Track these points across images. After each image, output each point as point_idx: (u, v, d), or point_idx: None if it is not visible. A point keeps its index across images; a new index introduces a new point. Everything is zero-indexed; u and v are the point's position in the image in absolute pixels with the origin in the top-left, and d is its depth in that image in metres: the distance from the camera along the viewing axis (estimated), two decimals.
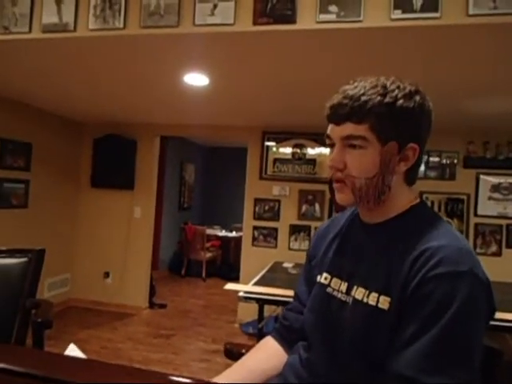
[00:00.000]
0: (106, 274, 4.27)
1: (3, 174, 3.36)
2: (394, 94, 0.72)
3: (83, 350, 0.82)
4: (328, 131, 0.78)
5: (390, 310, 0.69)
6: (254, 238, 3.97)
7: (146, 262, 4.27)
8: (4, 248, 1.49)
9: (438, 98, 2.64)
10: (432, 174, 3.64)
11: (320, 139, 3.73)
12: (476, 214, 3.56)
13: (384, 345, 0.68)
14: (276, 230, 3.92)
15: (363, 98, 0.71)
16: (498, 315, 1.74)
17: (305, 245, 3.81)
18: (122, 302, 4.20)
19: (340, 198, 0.78)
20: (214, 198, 7.55)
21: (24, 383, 0.62)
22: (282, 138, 3.95)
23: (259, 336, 2.39)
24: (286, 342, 0.94)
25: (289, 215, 3.91)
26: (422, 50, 1.84)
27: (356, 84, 0.74)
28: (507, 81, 2.23)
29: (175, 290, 5.29)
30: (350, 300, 0.76)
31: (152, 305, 4.35)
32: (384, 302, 0.70)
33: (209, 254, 6.02)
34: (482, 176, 3.55)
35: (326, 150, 3.79)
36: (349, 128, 0.73)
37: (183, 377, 0.65)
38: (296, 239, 3.87)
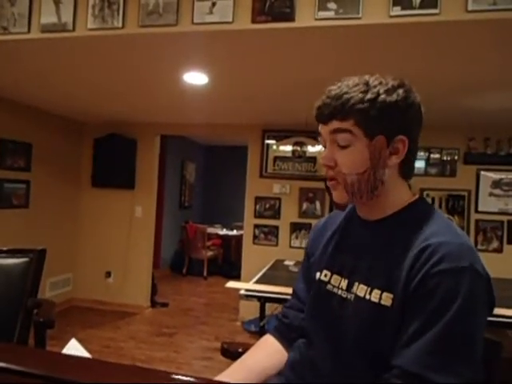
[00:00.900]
0: (108, 274, 4.28)
1: (4, 175, 3.37)
2: (375, 90, 0.74)
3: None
4: (319, 129, 0.81)
5: (392, 306, 0.69)
6: (255, 236, 3.97)
7: (147, 261, 4.28)
8: (5, 248, 1.49)
9: (438, 94, 2.64)
10: (433, 170, 3.64)
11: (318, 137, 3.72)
12: (477, 211, 3.56)
13: (388, 341, 0.68)
14: (277, 228, 3.92)
15: (346, 96, 0.74)
16: (500, 311, 1.74)
17: (306, 242, 3.80)
18: (123, 301, 4.21)
19: (335, 195, 0.80)
20: (215, 196, 7.56)
21: (26, 383, 0.62)
22: (282, 136, 3.95)
23: (261, 334, 2.39)
24: (286, 339, 0.94)
25: (289, 213, 3.91)
26: (422, 46, 1.84)
27: (339, 84, 0.77)
28: (507, 76, 2.23)
29: (177, 288, 5.30)
30: (351, 297, 0.77)
31: (154, 304, 4.36)
32: (387, 299, 0.70)
33: (210, 253, 6.03)
34: (482, 172, 3.54)
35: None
36: (335, 125, 0.75)
37: (186, 375, 0.65)
38: (297, 237, 3.87)
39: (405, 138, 0.75)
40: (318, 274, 0.87)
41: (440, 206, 3.61)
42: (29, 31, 1.96)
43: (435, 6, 1.54)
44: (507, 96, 2.64)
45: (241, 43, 1.92)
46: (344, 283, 0.79)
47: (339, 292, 0.80)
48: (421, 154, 3.64)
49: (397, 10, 1.58)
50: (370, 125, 0.74)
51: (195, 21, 1.76)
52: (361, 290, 0.75)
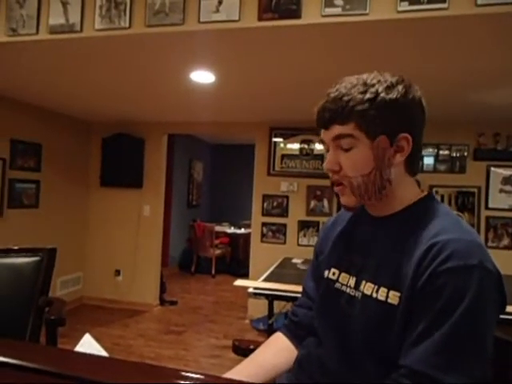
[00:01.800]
0: (117, 272, 4.32)
1: (15, 175, 3.41)
2: (374, 89, 0.72)
3: None
4: (321, 136, 0.80)
5: (399, 304, 0.69)
6: (263, 235, 3.97)
7: (155, 259, 4.31)
8: (16, 247, 1.51)
9: (447, 90, 2.61)
10: (442, 167, 3.60)
11: None
12: (487, 207, 3.51)
13: (395, 340, 0.68)
14: (285, 225, 3.92)
15: (344, 99, 0.73)
16: (511, 309, 1.71)
17: (314, 240, 3.80)
18: (133, 299, 4.24)
19: (344, 200, 0.80)
20: (223, 194, 7.57)
21: (38, 380, 0.63)
22: (289, 133, 3.94)
23: (269, 332, 2.40)
24: (296, 337, 0.94)
25: (297, 211, 3.91)
26: (430, 41, 1.82)
27: (338, 86, 0.75)
28: None
29: (185, 286, 5.32)
30: (358, 295, 0.76)
31: (163, 302, 4.39)
32: (393, 297, 0.70)
33: (218, 251, 6.05)
34: (492, 168, 3.50)
35: None
36: (336, 129, 0.75)
37: (196, 373, 0.66)
38: (305, 235, 3.86)
39: (408, 135, 0.74)
40: (326, 272, 0.86)
41: (450, 203, 3.57)
42: (37, 32, 1.98)
43: (443, 1, 1.53)
44: None
45: (247, 41, 1.91)
46: (352, 281, 0.79)
47: (347, 290, 0.79)
48: (430, 150, 3.61)
49: (404, 5, 1.56)
50: (371, 126, 0.73)
51: (202, 19, 1.76)
52: (368, 288, 0.74)
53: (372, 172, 0.74)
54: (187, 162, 6.51)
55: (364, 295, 0.75)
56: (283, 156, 3.96)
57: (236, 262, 6.21)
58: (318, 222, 3.83)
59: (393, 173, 0.76)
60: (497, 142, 3.48)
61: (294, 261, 3.31)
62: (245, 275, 4.27)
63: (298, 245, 3.87)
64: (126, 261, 4.30)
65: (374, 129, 0.73)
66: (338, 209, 3.80)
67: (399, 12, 1.58)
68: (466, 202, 3.56)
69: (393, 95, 0.72)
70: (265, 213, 3.97)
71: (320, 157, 3.87)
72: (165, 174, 4.40)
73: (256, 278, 2.64)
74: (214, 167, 7.63)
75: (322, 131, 0.78)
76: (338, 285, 0.82)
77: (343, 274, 0.82)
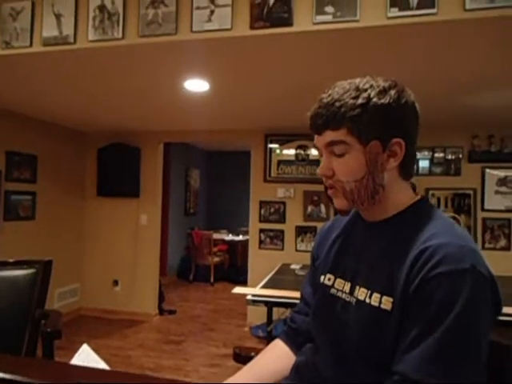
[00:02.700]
0: (115, 282, 4.29)
1: (10, 187, 3.40)
2: (366, 94, 0.72)
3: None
4: (314, 141, 0.80)
5: (392, 310, 0.68)
6: (261, 241, 3.97)
7: (154, 268, 4.29)
8: (12, 260, 1.51)
9: (439, 93, 2.64)
10: (437, 170, 3.62)
11: None
12: (483, 209, 3.53)
13: (389, 346, 0.67)
14: (282, 231, 3.92)
15: (336, 104, 0.73)
16: (509, 310, 1.72)
17: (311, 246, 3.78)
18: (131, 309, 4.22)
19: (336, 203, 0.80)
20: (220, 202, 7.57)
21: None
22: (284, 139, 3.96)
23: (269, 339, 2.39)
24: (294, 344, 0.93)
25: (294, 217, 3.91)
26: (420, 46, 1.84)
27: (330, 92, 0.75)
28: (508, 73, 2.22)
29: (184, 295, 5.30)
30: (353, 300, 0.76)
31: (161, 311, 4.36)
32: (386, 303, 0.69)
33: (216, 259, 6.03)
34: (487, 170, 3.52)
35: None
36: (329, 135, 0.75)
37: None
38: (302, 240, 3.86)
39: (401, 139, 0.74)
40: (322, 278, 0.86)
41: (446, 206, 3.58)
42: (31, 45, 1.99)
43: (433, 6, 1.55)
44: (509, 93, 2.63)
45: (240, 49, 1.93)
46: (347, 287, 0.79)
47: (343, 296, 0.79)
48: (425, 153, 3.63)
49: (394, 12, 1.58)
50: (363, 131, 0.73)
51: (194, 29, 1.78)
52: (361, 293, 0.74)
53: (365, 177, 0.74)
54: (184, 170, 6.51)
55: (358, 301, 0.74)
56: (279, 162, 3.97)
57: (234, 269, 6.19)
58: (315, 227, 3.83)
59: (386, 178, 0.76)
60: (491, 143, 3.51)
61: (293, 267, 3.31)
62: (243, 282, 4.26)
63: (296, 250, 3.86)
64: (123, 271, 4.28)
65: (366, 134, 0.73)
66: (335, 213, 3.80)
67: (389, 18, 1.60)
68: (463, 203, 3.57)
69: (385, 100, 0.72)
70: (262, 219, 3.97)
71: (316, 162, 3.88)
72: (161, 182, 4.40)
73: (255, 285, 2.63)
74: (210, 174, 7.64)
75: (316, 137, 0.79)
76: (333, 290, 0.82)
77: (338, 280, 0.82)
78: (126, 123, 3.91)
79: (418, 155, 3.59)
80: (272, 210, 3.95)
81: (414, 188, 0.82)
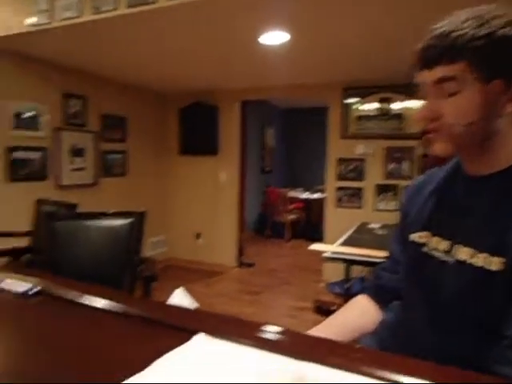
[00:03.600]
0: (198, 235, 4.60)
1: (106, 147, 3.74)
2: (492, 24, 0.61)
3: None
4: (418, 79, 0.70)
5: (504, 271, 0.62)
6: (338, 199, 3.90)
7: (233, 223, 4.49)
8: (112, 211, 1.67)
9: None
10: None
11: (408, 91, 3.43)
12: None
13: (494, 308, 0.62)
14: (361, 190, 3.80)
15: (454, 35, 0.62)
16: None
17: (392, 205, 3.64)
18: (213, 260, 4.51)
19: (437, 148, 0.70)
20: (296, 160, 7.52)
21: (138, 325, 0.70)
22: (365, 93, 3.72)
23: (346, 296, 2.39)
24: (381, 300, 0.92)
25: (374, 174, 3.74)
26: None
27: (446, 21, 0.65)
28: None
29: (261, 250, 5.50)
30: (451, 260, 0.71)
31: (240, 264, 4.60)
32: (496, 263, 0.63)
33: (292, 216, 6.10)
34: None
35: (414, 103, 3.49)
36: (440, 70, 0.65)
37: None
38: (383, 199, 3.71)
39: None
40: (413, 236, 0.81)
41: None
42: (117, 8, 2.07)
43: None
44: None
45: None
46: (444, 245, 0.73)
47: (437, 254, 0.74)
48: None
49: None
50: (486, 66, 0.63)
51: None
52: (462, 253, 0.68)
53: (477, 121, 0.65)
54: (259, 128, 6.53)
55: (457, 261, 0.69)
56: (358, 117, 3.77)
57: (310, 227, 6.22)
58: (396, 186, 3.64)
59: (501, 124, 0.66)
60: None
61: (371, 226, 3.22)
62: (319, 240, 4.26)
63: (376, 210, 3.73)
64: (205, 224, 4.55)
65: (489, 70, 0.63)
66: (419, 171, 3.56)
67: None
68: None
69: None
70: (340, 177, 3.87)
71: (399, 116, 3.61)
72: (239, 140, 4.47)
73: (331, 243, 2.62)
74: (285, 132, 7.56)
75: (421, 73, 0.69)
76: (425, 249, 0.77)
77: (433, 238, 0.77)
78: (204, 83, 3.98)
79: None
80: (350, 167, 3.82)
81: None
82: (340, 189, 3.88)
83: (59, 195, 3.09)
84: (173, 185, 4.68)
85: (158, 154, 4.53)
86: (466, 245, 0.69)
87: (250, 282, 4.08)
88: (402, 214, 0.91)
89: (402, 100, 3.57)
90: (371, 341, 0.86)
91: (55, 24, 2.25)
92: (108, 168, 3.80)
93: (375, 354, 0.61)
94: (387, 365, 0.56)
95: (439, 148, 0.70)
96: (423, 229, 0.80)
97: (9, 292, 0.82)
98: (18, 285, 0.83)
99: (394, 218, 1.01)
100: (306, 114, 7.15)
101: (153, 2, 1.97)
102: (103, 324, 0.71)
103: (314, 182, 6.88)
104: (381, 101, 3.67)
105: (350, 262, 2.27)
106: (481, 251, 0.66)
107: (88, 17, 2.16)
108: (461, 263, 0.68)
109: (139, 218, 1.62)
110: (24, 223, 2.58)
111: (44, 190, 3.08)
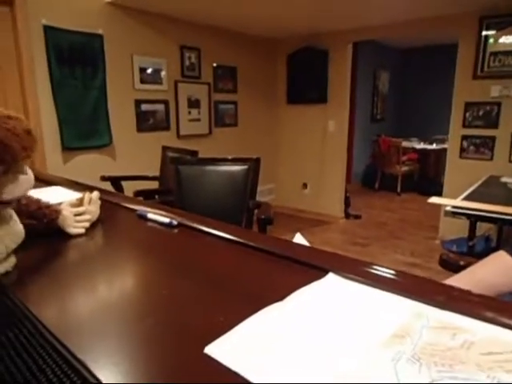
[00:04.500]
0: (305, 185, 4.62)
1: (217, 97, 3.89)
2: None
3: None
4: None
5: None
6: (463, 149, 3.48)
7: (340, 173, 4.38)
8: (230, 157, 1.76)
9: None
10: None
11: None
12: None
13: None
14: (493, 139, 3.31)
15: None
16: None
17: None
18: (318, 210, 4.53)
19: None
20: (411, 107, 6.86)
21: (262, 258, 0.74)
22: (506, 22, 3.11)
23: (468, 255, 2.20)
24: None
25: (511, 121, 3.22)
26: None
27: None
28: None
29: (369, 202, 5.32)
30: None
31: (347, 215, 4.53)
32: None
33: (404, 168, 5.70)
34: None
35: None
36: None
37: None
38: None
39: None
40: None
41: None
42: None
43: None
44: None
45: None
46: None
47: None
48: None
49: None
50: None
51: None
52: None
53: None
54: (371, 73, 6.06)
55: None
56: (496, 53, 3.20)
57: (425, 180, 5.76)
58: None
59: None
60: None
61: (504, 179, 2.82)
62: (435, 194, 3.91)
63: (510, 161, 3.25)
64: (312, 174, 4.54)
65: None
66: None
67: None
68: None
69: None
70: (466, 124, 3.42)
71: None
72: (349, 86, 4.22)
73: (451, 197, 2.39)
74: (401, 76, 6.87)
75: None
76: None
77: None
78: (313, 24, 3.77)
79: None
80: (481, 112, 3.34)
81: None
82: (466, 137, 3.45)
83: (179, 144, 3.37)
84: (281, 134, 4.71)
85: (267, 103, 4.55)
86: None
87: (357, 234, 4.01)
88: None
89: None
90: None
91: None
92: (220, 118, 3.97)
93: (497, 301, 0.56)
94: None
95: None
96: None
97: (155, 222, 0.94)
98: (161, 217, 0.94)
99: None
100: (428, 54, 6.36)
101: None
102: (238, 256, 0.77)
103: (431, 131, 6.25)
104: None
105: (476, 218, 2.05)
106: None
107: None
108: None
109: (255, 164, 1.68)
110: (154, 168, 2.90)
111: (167, 139, 3.38)
